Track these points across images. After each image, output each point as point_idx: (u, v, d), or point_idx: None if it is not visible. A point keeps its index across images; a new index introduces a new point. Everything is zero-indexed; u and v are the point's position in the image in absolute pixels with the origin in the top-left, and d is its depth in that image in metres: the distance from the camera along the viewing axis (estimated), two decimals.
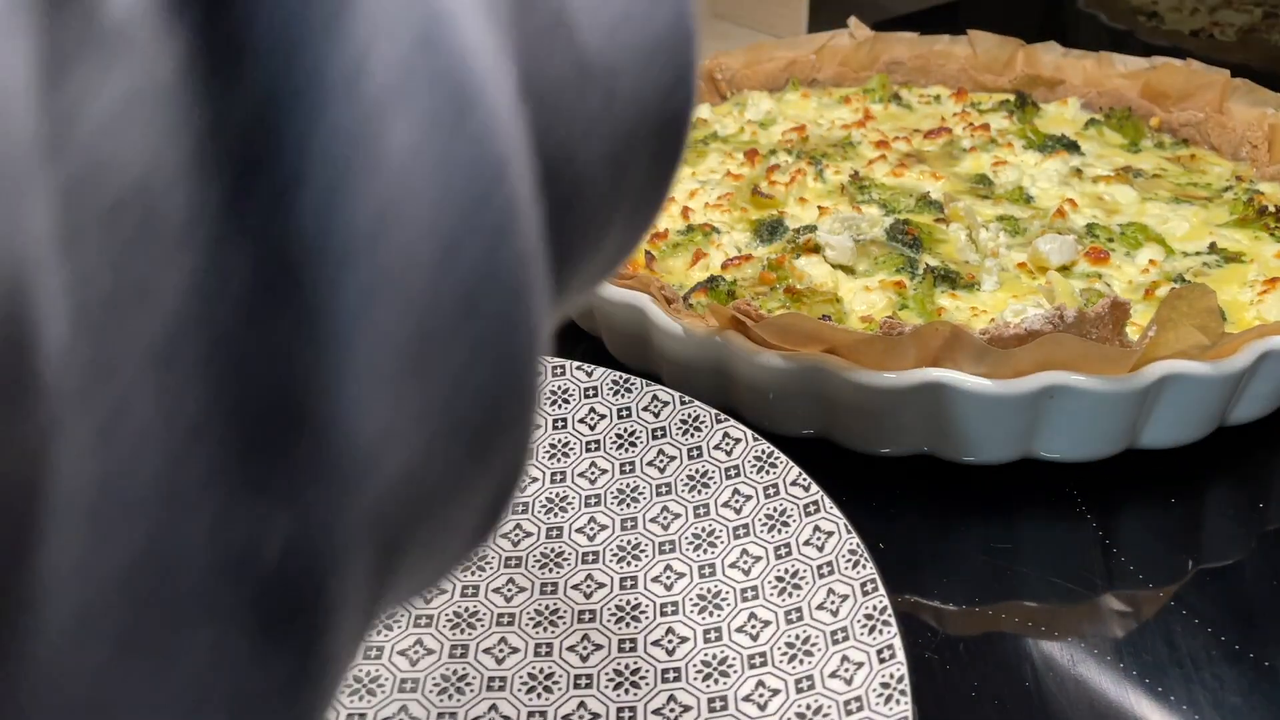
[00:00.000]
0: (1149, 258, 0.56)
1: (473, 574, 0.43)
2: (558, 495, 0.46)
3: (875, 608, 0.37)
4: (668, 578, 0.42)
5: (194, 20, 0.11)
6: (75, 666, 0.11)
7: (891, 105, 0.75)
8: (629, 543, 0.43)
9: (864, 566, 0.38)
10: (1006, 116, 0.72)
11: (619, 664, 0.38)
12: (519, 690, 0.38)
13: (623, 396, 0.48)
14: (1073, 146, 0.67)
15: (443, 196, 0.12)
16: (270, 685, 0.13)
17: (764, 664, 0.37)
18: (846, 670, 0.35)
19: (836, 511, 0.40)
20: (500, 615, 0.41)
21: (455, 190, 0.12)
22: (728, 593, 0.40)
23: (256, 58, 0.11)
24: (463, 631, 0.40)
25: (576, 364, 0.49)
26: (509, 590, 0.42)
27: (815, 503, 0.41)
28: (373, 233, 0.12)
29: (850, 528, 0.40)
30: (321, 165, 0.12)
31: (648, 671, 0.38)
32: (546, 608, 0.41)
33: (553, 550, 0.43)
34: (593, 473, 0.46)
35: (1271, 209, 0.58)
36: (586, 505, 0.45)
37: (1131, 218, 0.60)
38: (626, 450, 0.46)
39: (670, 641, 0.39)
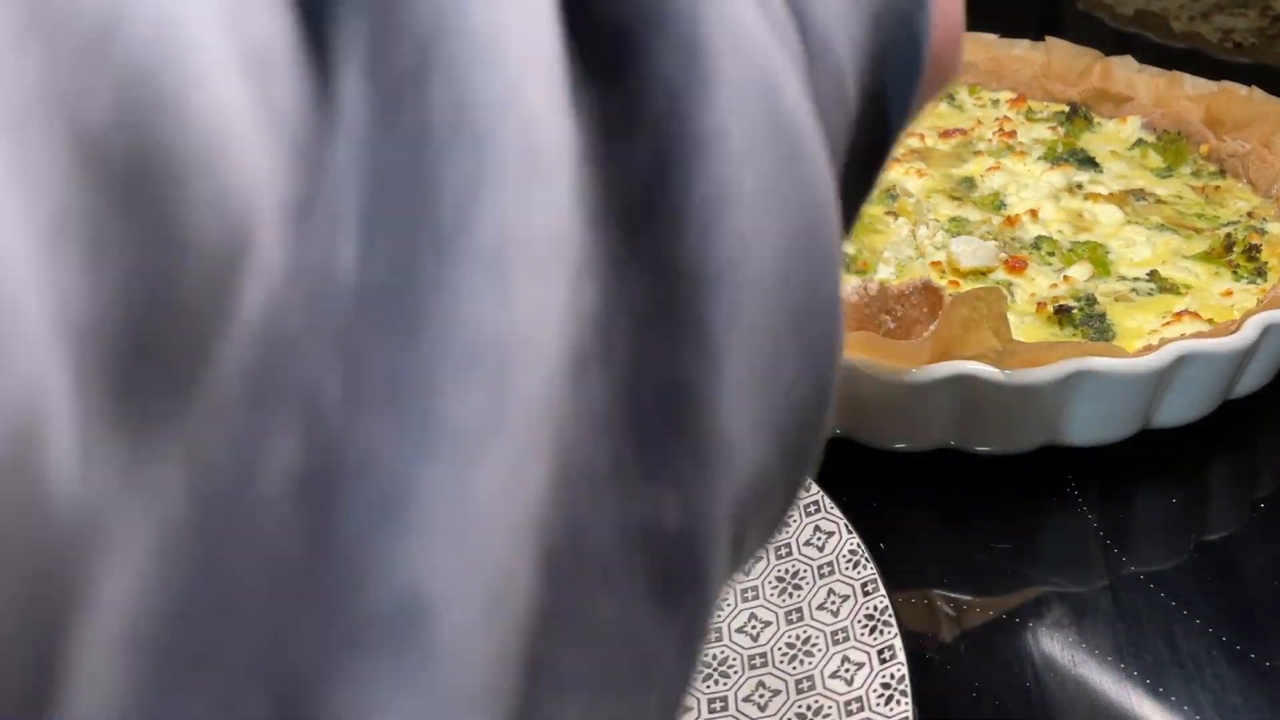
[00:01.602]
0: (1066, 275, 0.57)
1: None
2: None
3: (876, 608, 0.37)
4: None
5: (593, 98, 0.14)
6: (494, 651, 0.12)
7: (942, 104, 0.75)
8: None
9: (864, 567, 0.38)
10: (1052, 129, 0.71)
11: None
12: None
13: None
14: (1088, 162, 0.67)
15: (783, 229, 0.15)
16: (669, 644, 0.15)
17: (764, 664, 0.37)
18: (847, 671, 0.35)
19: (837, 512, 0.40)
20: None
21: (791, 224, 0.15)
22: (728, 593, 0.40)
23: (648, 127, 0.15)
24: None
25: None
26: None
27: (815, 503, 0.41)
28: (735, 259, 0.15)
29: (850, 528, 0.40)
30: (700, 208, 0.15)
31: None
32: None
33: None
34: None
35: (1243, 248, 0.58)
36: None
37: (1101, 238, 0.60)
38: None
39: None
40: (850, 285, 0.46)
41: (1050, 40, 0.77)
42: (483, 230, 0.12)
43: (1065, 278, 0.56)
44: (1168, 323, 0.53)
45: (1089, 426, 0.48)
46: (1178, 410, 0.49)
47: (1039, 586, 0.44)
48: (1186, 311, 0.53)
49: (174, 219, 0.11)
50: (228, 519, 0.11)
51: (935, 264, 0.56)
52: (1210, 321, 0.52)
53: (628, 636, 0.15)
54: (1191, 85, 0.71)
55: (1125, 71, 0.74)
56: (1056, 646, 0.41)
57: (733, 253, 0.15)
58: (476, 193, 0.12)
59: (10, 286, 0.09)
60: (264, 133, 0.12)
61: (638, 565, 0.14)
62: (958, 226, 0.60)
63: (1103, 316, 0.53)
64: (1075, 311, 0.53)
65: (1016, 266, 0.57)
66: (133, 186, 0.10)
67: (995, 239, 0.59)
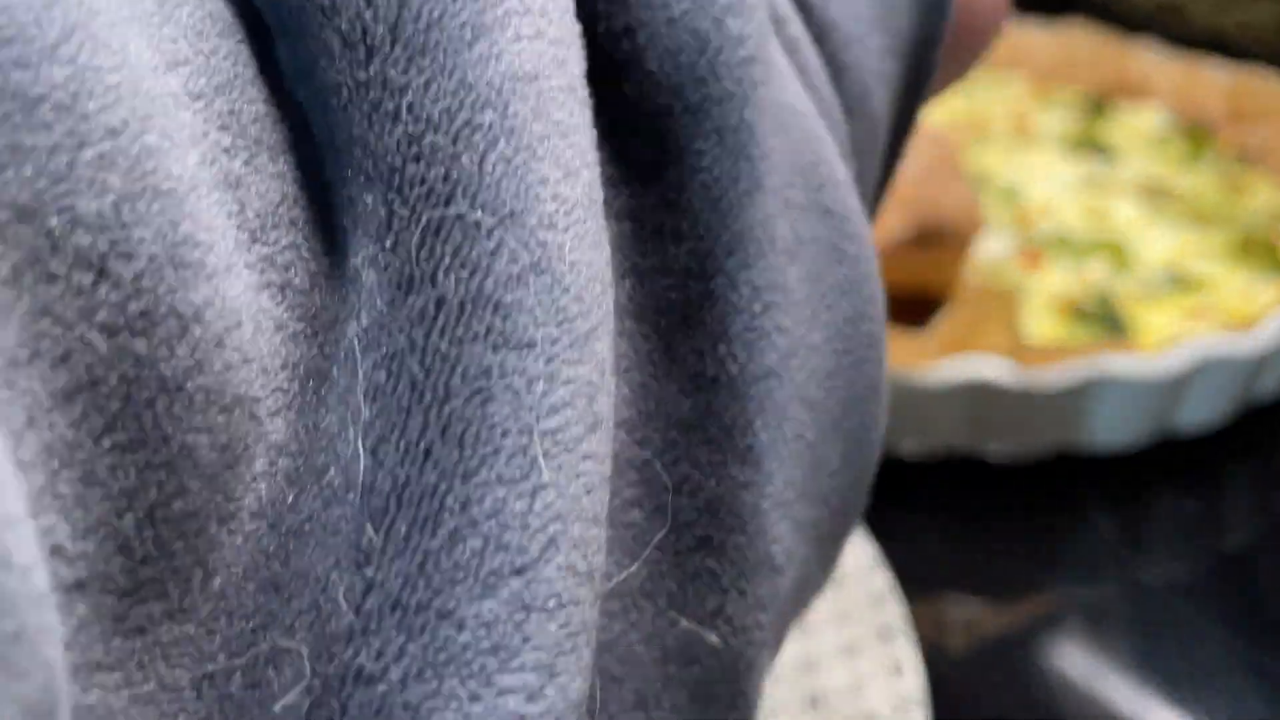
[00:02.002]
0: (1083, 270, 0.56)
1: None
2: None
3: (890, 618, 0.36)
4: None
5: (628, 198, 0.13)
6: None
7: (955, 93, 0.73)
8: None
9: (879, 575, 0.37)
10: (1070, 119, 0.70)
11: None
12: None
13: None
14: (1106, 153, 0.65)
15: (828, 321, 0.14)
16: None
17: (773, 679, 0.36)
18: (859, 684, 0.34)
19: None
20: None
21: (836, 315, 0.14)
22: None
23: (687, 227, 0.13)
24: None
25: None
26: None
27: None
28: (778, 368, 0.14)
29: (869, 535, 0.39)
30: (742, 314, 0.13)
31: None
32: None
33: None
34: None
35: (1264, 243, 0.57)
36: None
37: (1119, 232, 0.59)
38: None
39: None
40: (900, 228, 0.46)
41: (1068, 26, 0.75)
42: (502, 422, 0.11)
43: (1082, 273, 0.55)
44: (1188, 320, 0.51)
45: (1105, 432, 0.46)
46: (1198, 415, 0.48)
47: (1053, 596, 0.43)
48: (1206, 309, 0.52)
49: (177, 420, 0.10)
50: None
51: None
52: (1231, 319, 0.51)
53: None
54: (1213, 75, 0.70)
55: (1145, 60, 0.73)
56: (1071, 656, 0.40)
57: (776, 360, 0.14)
58: (491, 385, 0.11)
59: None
60: (273, 303, 0.11)
61: (677, 689, 0.14)
62: None
63: (1120, 314, 0.52)
64: (1092, 308, 0.52)
65: (1031, 261, 0.55)
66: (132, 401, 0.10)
67: (1009, 232, 0.58)
